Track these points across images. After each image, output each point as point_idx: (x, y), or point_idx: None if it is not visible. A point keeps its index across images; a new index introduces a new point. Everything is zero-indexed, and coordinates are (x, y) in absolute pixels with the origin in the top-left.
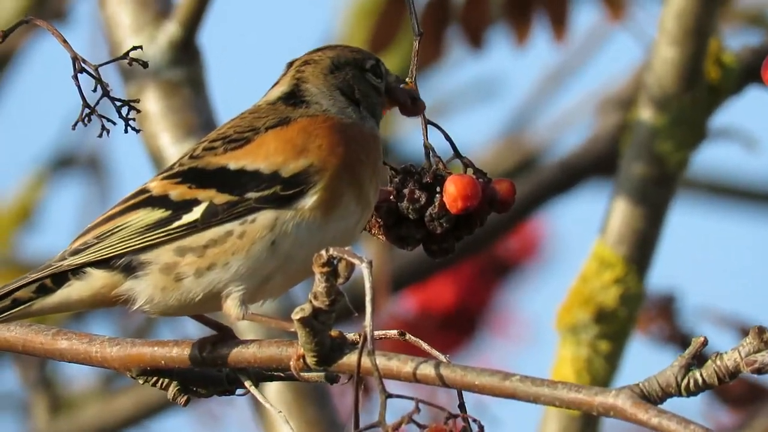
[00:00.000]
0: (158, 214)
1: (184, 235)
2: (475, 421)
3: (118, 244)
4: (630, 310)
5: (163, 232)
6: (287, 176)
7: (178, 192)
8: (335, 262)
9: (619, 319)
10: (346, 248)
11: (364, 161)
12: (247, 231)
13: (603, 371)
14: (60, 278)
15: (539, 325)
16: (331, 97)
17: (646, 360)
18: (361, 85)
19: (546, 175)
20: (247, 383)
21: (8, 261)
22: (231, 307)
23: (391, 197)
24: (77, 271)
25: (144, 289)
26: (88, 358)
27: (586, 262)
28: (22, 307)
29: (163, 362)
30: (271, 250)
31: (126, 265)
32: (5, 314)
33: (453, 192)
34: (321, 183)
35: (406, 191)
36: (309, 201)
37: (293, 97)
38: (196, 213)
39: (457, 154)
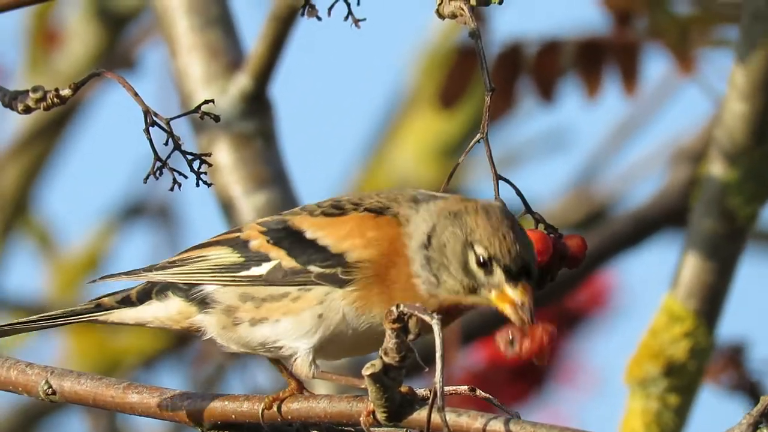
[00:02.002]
0: (234, 257)
1: (249, 284)
2: None
3: (195, 273)
4: (699, 363)
5: (231, 276)
6: (350, 261)
7: (257, 243)
8: (405, 318)
9: (688, 373)
10: (417, 304)
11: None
12: (301, 297)
13: (672, 424)
14: (143, 295)
15: (608, 376)
16: (427, 240)
17: (714, 410)
18: (453, 255)
19: (616, 228)
20: None
21: None
22: (301, 366)
23: None
24: (160, 293)
25: (210, 324)
26: (158, 413)
27: (656, 316)
28: (104, 312)
29: (233, 416)
30: (319, 321)
31: (201, 298)
32: (86, 316)
33: None
34: (370, 278)
35: None
36: (356, 288)
37: (414, 202)
38: (263, 269)
39: (528, 209)
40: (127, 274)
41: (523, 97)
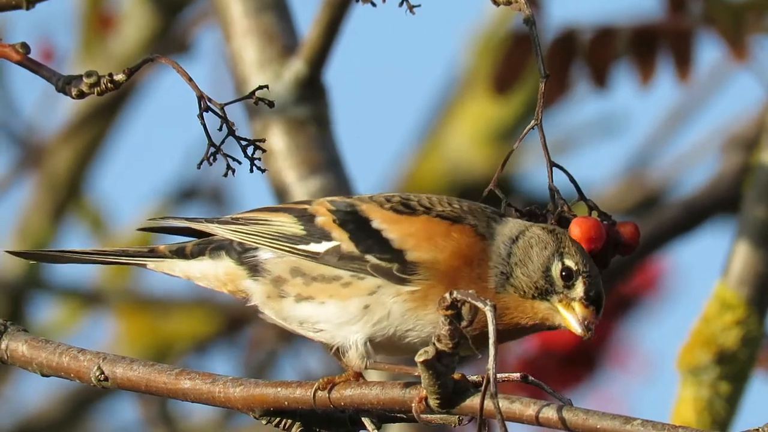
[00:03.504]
0: (297, 228)
1: (303, 258)
2: None
3: (253, 235)
4: (751, 351)
5: (289, 246)
6: (408, 260)
7: (323, 219)
8: (459, 305)
9: (740, 361)
10: (470, 291)
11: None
12: (352, 284)
13: (724, 412)
14: (197, 251)
15: (659, 361)
16: (504, 247)
17: (766, 398)
18: (538, 257)
19: (668, 215)
20: (370, 426)
21: (128, 294)
22: (353, 357)
23: None
24: (214, 251)
25: (256, 292)
26: (211, 399)
27: (708, 304)
28: (155, 259)
29: (286, 403)
30: (362, 310)
31: (253, 264)
32: (137, 259)
33: (578, 234)
34: (428, 282)
35: None
36: (411, 289)
37: (496, 217)
38: (322, 248)
39: (581, 196)
40: (188, 219)
41: (577, 83)
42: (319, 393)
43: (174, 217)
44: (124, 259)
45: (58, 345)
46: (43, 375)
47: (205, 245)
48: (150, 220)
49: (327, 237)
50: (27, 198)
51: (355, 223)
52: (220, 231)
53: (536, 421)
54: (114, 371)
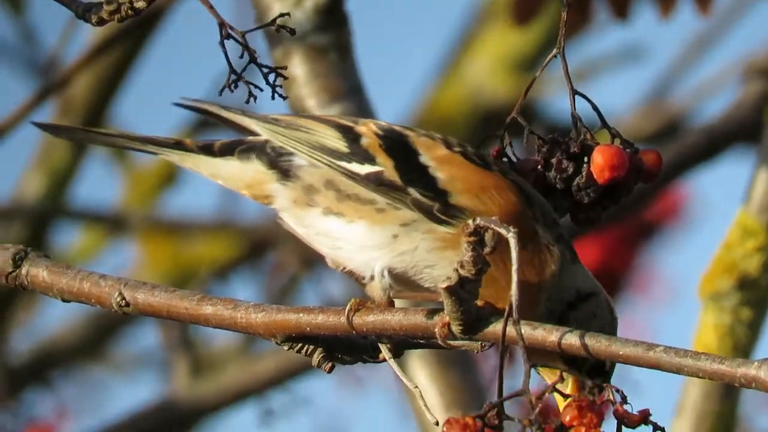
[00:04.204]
0: (340, 144)
1: (342, 174)
2: (618, 391)
3: (292, 140)
4: None
5: (328, 160)
6: (452, 203)
7: (369, 141)
8: (482, 231)
9: (761, 287)
10: (493, 218)
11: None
12: (386, 211)
13: (745, 338)
14: (226, 149)
15: (681, 287)
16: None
17: None
18: None
19: (690, 142)
20: (387, 353)
21: (151, 219)
22: (377, 287)
23: (539, 167)
24: (243, 153)
25: (283, 196)
26: (233, 324)
27: (729, 231)
28: (181, 152)
29: (308, 329)
30: (389, 239)
31: (286, 169)
32: (163, 150)
33: (600, 162)
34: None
35: (553, 161)
36: (447, 230)
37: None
38: (364, 170)
39: (604, 124)
40: (224, 107)
41: (599, 11)
42: (340, 319)
43: (210, 102)
44: (150, 148)
45: (79, 271)
46: (64, 301)
47: (236, 145)
48: (183, 98)
49: (371, 160)
50: None
51: (403, 152)
52: (258, 128)
53: (559, 348)
54: (135, 297)
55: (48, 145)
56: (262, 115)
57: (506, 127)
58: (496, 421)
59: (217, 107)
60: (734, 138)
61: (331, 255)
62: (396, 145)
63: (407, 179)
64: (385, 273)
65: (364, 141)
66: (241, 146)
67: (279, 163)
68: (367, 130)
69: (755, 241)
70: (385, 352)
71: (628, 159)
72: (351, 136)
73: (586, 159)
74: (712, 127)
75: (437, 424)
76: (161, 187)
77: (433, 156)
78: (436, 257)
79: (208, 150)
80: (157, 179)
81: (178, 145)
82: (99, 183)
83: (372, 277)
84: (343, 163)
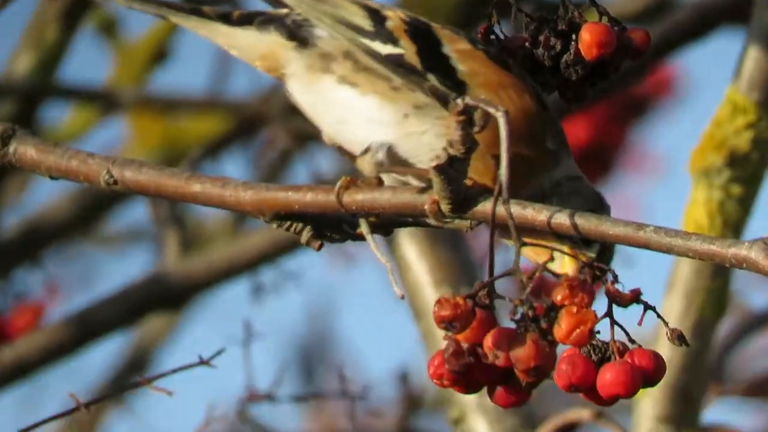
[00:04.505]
0: (364, 23)
1: (362, 51)
2: (609, 270)
3: (316, 11)
4: (762, 154)
5: (351, 35)
6: (470, 95)
7: (394, 24)
8: (471, 110)
9: (751, 163)
10: (482, 97)
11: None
12: (401, 90)
13: (736, 214)
14: (244, 19)
15: (671, 164)
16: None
17: None
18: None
19: (679, 19)
20: (365, 228)
21: (141, 96)
22: (368, 161)
23: (527, 44)
24: (262, 24)
25: (297, 63)
26: (221, 202)
27: (719, 107)
28: (197, 17)
29: (297, 207)
30: (400, 117)
31: (305, 37)
32: (176, 11)
33: (588, 39)
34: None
35: (541, 38)
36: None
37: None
38: (385, 50)
39: (592, 2)
40: None
41: None
42: (329, 197)
43: None
44: (165, 11)
45: (67, 149)
46: (52, 178)
47: (255, 15)
48: None
49: (394, 42)
50: (39, 4)
51: (426, 40)
52: None
53: (548, 227)
54: (123, 174)
55: (38, 23)
56: None
57: (494, 4)
58: (487, 301)
59: None
60: (724, 15)
61: (333, 129)
62: (420, 32)
63: (427, 65)
64: (385, 148)
65: (390, 24)
66: (261, 17)
67: (298, 34)
68: (393, 14)
69: (745, 118)
70: (363, 227)
71: (615, 36)
72: (377, 16)
73: (573, 36)
74: (702, 3)
75: (402, 298)
76: (151, 63)
77: (455, 48)
78: (439, 142)
79: (226, 19)
80: (147, 55)
81: (195, 12)
82: (89, 60)
83: (366, 150)
84: (366, 41)
